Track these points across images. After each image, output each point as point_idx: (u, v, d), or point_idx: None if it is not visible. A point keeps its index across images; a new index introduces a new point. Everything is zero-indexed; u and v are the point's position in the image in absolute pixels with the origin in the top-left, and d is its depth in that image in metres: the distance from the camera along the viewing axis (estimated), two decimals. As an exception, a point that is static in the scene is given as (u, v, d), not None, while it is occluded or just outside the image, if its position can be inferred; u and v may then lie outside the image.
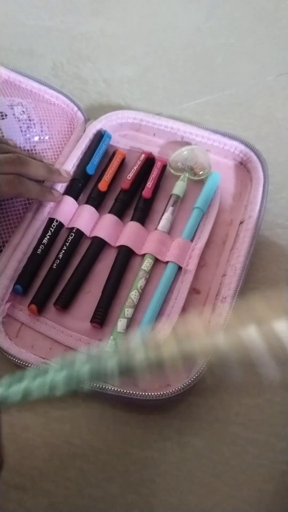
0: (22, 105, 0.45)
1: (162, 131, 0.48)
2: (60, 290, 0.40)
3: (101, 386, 0.34)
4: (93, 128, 0.47)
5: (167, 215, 0.43)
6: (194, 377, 0.34)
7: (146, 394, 0.34)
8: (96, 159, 0.45)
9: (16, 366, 0.37)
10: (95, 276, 0.41)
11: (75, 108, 0.49)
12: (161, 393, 0.34)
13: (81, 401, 0.37)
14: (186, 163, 0.45)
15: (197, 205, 0.43)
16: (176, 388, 0.34)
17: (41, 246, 0.41)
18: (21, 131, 0.44)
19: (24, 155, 0.40)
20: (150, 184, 0.44)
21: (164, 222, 0.42)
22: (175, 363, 0.24)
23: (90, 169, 0.45)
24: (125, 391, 0.34)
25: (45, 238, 0.41)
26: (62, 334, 0.38)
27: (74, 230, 0.42)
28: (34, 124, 0.45)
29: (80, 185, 0.45)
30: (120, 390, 0.34)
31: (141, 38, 0.58)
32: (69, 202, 0.43)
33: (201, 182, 0.45)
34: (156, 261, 0.41)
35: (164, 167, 0.45)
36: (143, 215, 0.43)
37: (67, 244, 0.41)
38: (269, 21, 0.59)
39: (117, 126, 0.49)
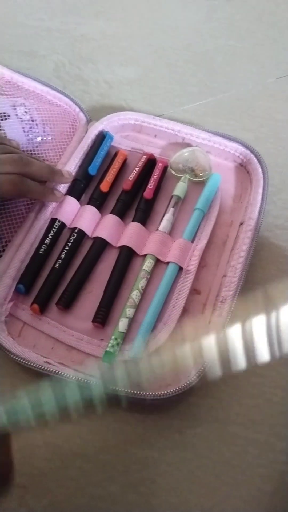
0: (25, 106, 0.45)
1: (163, 132, 0.48)
2: (62, 290, 0.40)
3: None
4: (95, 129, 0.47)
5: (168, 216, 0.43)
6: (194, 377, 0.34)
7: (146, 393, 0.34)
8: (98, 160, 0.46)
9: (18, 365, 0.37)
10: (97, 276, 0.41)
11: (77, 109, 0.49)
12: (161, 392, 0.34)
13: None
14: (187, 165, 0.46)
15: (197, 206, 0.43)
16: (176, 388, 0.34)
17: (44, 246, 0.41)
18: (24, 131, 0.44)
19: (27, 156, 0.40)
20: (151, 185, 0.44)
21: (165, 223, 0.43)
22: (176, 368, 0.24)
23: (92, 169, 0.45)
24: (126, 390, 0.34)
25: (48, 238, 0.42)
26: (64, 333, 0.38)
27: (76, 231, 0.42)
28: (36, 124, 0.45)
29: (82, 186, 0.45)
30: (121, 390, 0.34)
31: (142, 39, 0.59)
32: (71, 202, 0.44)
33: (202, 183, 0.45)
34: (157, 261, 0.41)
35: (165, 168, 0.46)
36: (144, 216, 0.44)
37: (69, 244, 0.41)
38: (269, 22, 0.60)
39: (119, 127, 0.49)
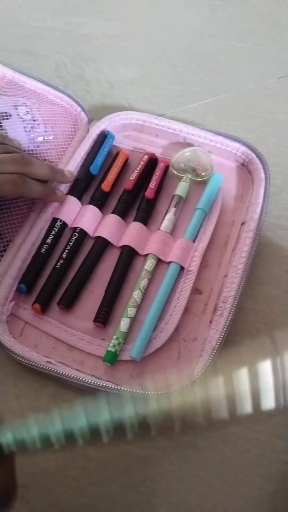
0: (26, 106, 0.45)
1: (164, 132, 0.48)
2: (64, 289, 0.40)
3: (103, 384, 0.35)
4: (96, 129, 0.47)
5: (169, 216, 0.43)
6: (196, 377, 0.34)
7: (149, 393, 0.34)
8: (99, 159, 0.46)
9: (19, 365, 0.37)
10: (98, 275, 0.41)
11: (79, 109, 0.49)
12: (164, 392, 0.34)
13: (84, 400, 0.37)
14: (188, 164, 0.46)
15: (199, 206, 0.43)
16: (179, 388, 0.34)
17: (45, 246, 0.41)
18: (25, 131, 0.44)
19: (29, 155, 0.40)
20: (153, 184, 0.44)
21: (166, 222, 0.43)
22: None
23: (94, 169, 0.45)
24: (127, 390, 0.34)
25: (49, 238, 0.42)
26: (66, 333, 0.39)
27: (77, 230, 0.42)
28: (38, 124, 0.45)
29: (84, 185, 0.45)
30: (123, 389, 0.34)
31: (143, 39, 0.59)
32: (72, 202, 0.44)
33: (204, 183, 0.45)
34: (159, 261, 0.41)
35: (166, 168, 0.46)
36: (146, 216, 0.44)
37: (71, 243, 0.41)
38: (270, 22, 0.60)
39: (120, 127, 0.49)
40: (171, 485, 0.34)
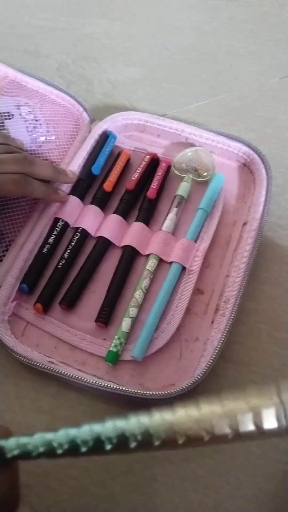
0: (29, 105, 0.45)
1: (166, 132, 0.48)
2: (66, 289, 0.40)
3: (104, 384, 0.35)
4: (98, 129, 0.47)
5: (171, 216, 0.43)
6: (198, 377, 0.34)
7: (150, 393, 0.34)
8: (101, 159, 0.46)
9: (21, 365, 0.37)
10: (100, 276, 0.41)
11: (81, 109, 0.49)
12: (165, 392, 0.34)
13: (86, 400, 0.37)
14: (190, 164, 0.46)
15: (201, 206, 0.43)
16: (180, 388, 0.34)
17: (47, 246, 0.41)
18: (28, 131, 0.44)
19: (31, 155, 0.40)
20: (154, 184, 0.44)
21: (168, 222, 0.43)
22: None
23: (96, 169, 0.45)
24: (129, 390, 0.34)
25: (51, 238, 0.42)
26: (67, 333, 0.39)
27: (79, 230, 0.42)
28: (40, 124, 0.45)
29: (86, 185, 0.45)
30: (124, 389, 0.34)
31: (145, 39, 0.59)
32: (74, 202, 0.44)
33: (205, 183, 0.45)
34: (161, 261, 0.41)
35: (168, 168, 0.46)
36: (148, 216, 0.44)
37: (73, 243, 0.42)
38: (273, 23, 0.60)
39: (122, 127, 0.49)
40: (173, 485, 0.34)
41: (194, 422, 0.23)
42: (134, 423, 0.24)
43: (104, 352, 0.37)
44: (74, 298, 0.40)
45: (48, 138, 0.46)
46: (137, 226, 0.43)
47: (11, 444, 0.25)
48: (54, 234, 0.42)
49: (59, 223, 0.42)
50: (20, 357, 0.37)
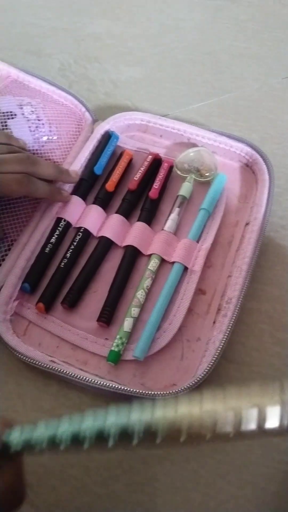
0: (31, 105, 0.45)
1: (169, 132, 0.48)
2: (68, 289, 0.40)
3: (106, 384, 0.35)
4: (101, 129, 0.47)
5: (173, 216, 0.43)
6: (199, 377, 0.34)
7: (152, 393, 0.34)
8: (103, 159, 0.46)
9: (23, 364, 0.37)
10: (102, 275, 0.41)
11: (83, 109, 0.49)
12: (167, 392, 0.34)
13: (87, 399, 0.37)
14: (192, 165, 0.46)
15: (203, 206, 0.43)
16: (182, 388, 0.34)
17: (49, 245, 0.41)
18: (30, 130, 0.44)
19: (34, 155, 0.40)
20: (157, 185, 0.44)
21: (170, 222, 0.43)
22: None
23: (98, 169, 0.45)
24: (130, 390, 0.34)
25: (53, 237, 0.42)
26: (69, 332, 0.39)
27: (81, 230, 0.42)
28: (43, 124, 0.45)
29: (88, 185, 0.45)
30: (126, 389, 0.34)
31: (148, 39, 0.59)
32: (76, 202, 0.44)
33: (207, 183, 0.45)
34: (163, 261, 0.41)
35: (170, 168, 0.46)
36: (150, 216, 0.44)
37: (75, 243, 0.42)
38: (275, 23, 0.60)
39: (125, 127, 0.49)
40: (174, 485, 0.34)
41: (197, 419, 0.23)
42: (136, 418, 0.24)
43: (106, 352, 0.37)
44: (76, 298, 0.40)
45: (50, 138, 0.46)
46: (139, 226, 0.43)
47: (15, 438, 0.25)
48: (56, 234, 0.42)
49: (61, 223, 0.42)
50: (22, 356, 0.37)
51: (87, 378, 0.35)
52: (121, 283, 0.40)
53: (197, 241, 0.42)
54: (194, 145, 0.47)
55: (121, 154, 0.46)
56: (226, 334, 0.36)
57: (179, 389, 0.34)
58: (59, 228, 0.42)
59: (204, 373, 0.34)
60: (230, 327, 0.36)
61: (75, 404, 0.37)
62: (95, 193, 0.45)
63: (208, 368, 0.35)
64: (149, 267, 0.40)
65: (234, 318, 0.37)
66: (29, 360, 0.37)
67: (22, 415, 0.37)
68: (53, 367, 0.36)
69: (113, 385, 0.35)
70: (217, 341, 0.36)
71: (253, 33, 0.59)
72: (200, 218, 0.43)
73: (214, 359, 0.35)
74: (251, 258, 0.39)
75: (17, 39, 0.59)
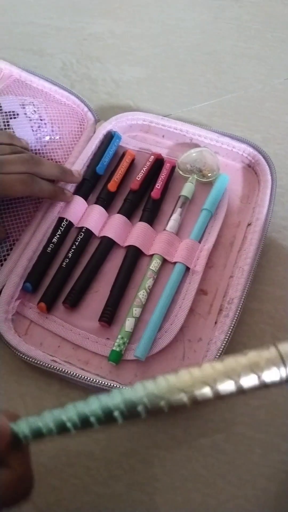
0: (34, 105, 0.45)
1: (171, 133, 0.48)
2: (69, 288, 0.40)
3: (107, 383, 0.35)
4: (103, 129, 0.47)
5: (175, 216, 0.43)
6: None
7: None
8: (106, 159, 0.46)
9: (24, 363, 0.37)
10: (104, 275, 0.41)
11: (85, 109, 0.49)
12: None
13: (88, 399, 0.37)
14: (194, 165, 0.46)
15: (205, 206, 0.43)
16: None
17: (51, 245, 0.42)
18: (32, 130, 0.44)
19: (38, 156, 0.40)
20: (159, 185, 0.44)
21: (172, 223, 0.43)
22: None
23: (100, 169, 0.45)
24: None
25: (55, 237, 0.42)
26: (71, 332, 0.39)
27: (83, 230, 0.42)
28: (45, 123, 0.45)
29: (90, 185, 0.45)
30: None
31: (150, 39, 0.59)
32: (78, 201, 0.44)
33: (210, 184, 0.45)
34: (164, 261, 0.41)
35: (173, 169, 0.46)
36: (152, 216, 0.44)
37: (76, 243, 0.42)
38: (277, 23, 0.60)
39: (127, 127, 0.49)
40: (175, 484, 0.34)
41: (198, 381, 0.24)
42: (140, 389, 0.25)
43: (107, 352, 0.37)
44: (78, 298, 0.40)
45: (52, 137, 0.46)
46: (141, 226, 0.43)
47: (23, 428, 0.25)
48: (58, 234, 0.42)
49: (63, 223, 0.42)
50: (23, 356, 0.37)
51: (88, 378, 0.35)
52: (123, 283, 0.40)
53: (199, 242, 0.42)
54: (196, 145, 0.47)
55: (123, 154, 0.46)
56: (228, 335, 0.36)
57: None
58: (61, 228, 0.42)
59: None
60: (231, 327, 0.36)
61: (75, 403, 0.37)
62: (97, 193, 0.45)
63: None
64: (150, 267, 0.40)
65: (235, 318, 0.37)
66: (30, 359, 0.37)
67: (23, 414, 0.36)
68: (55, 367, 0.36)
69: (114, 385, 0.35)
70: (219, 341, 0.36)
71: (256, 33, 0.59)
72: (202, 219, 0.43)
73: (215, 359, 0.35)
74: (253, 258, 0.39)
75: (19, 38, 0.59)
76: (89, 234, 0.43)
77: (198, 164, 0.45)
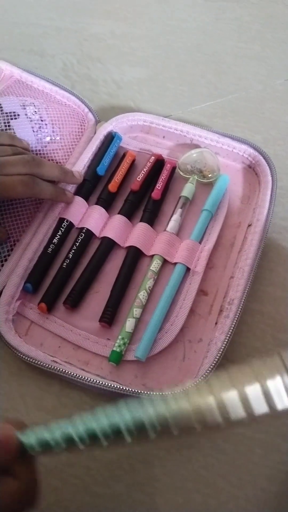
0: (34, 105, 0.45)
1: (171, 133, 0.48)
2: (70, 289, 0.40)
3: (107, 384, 0.35)
4: (103, 130, 0.47)
5: (176, 217, 0.43)
6: (201, 377, 0.34)
7: (153, 393, 0.34)
8: (106, 160, 0.46)
9: (25, 364, 0.37)
10: (104, 276, 0.41)
11: (86, 110, 0.49)
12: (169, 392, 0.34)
13: (89, 399, 0.37)
14: (195, 166, 0.46)
15: (205, 207, 0.43)
16: (183, 388, 0.34)
17: (52, 246, 0.42)
18: (33, 131, 0.44)
19: (39, 157, 0.40)
20: (159, 185, 0.44)
21: (172, 223, 0.43)
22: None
23: (101, 170, 0.45)
24: (132, 390, 0.35)
25: (56, 238, 0.42)
26: (71, 332, 0.39)
27: (84, 230, 0.42)
28: (46, 124, 0.45)
29: (91, 186, 0.45)
30: (128, 390, 0.35)
31: (151, 39, 0.59)
32: (79, 202, 0.44)
33: (210, 184, 0.45)
34: (165, 262, 0.41)
35: (173, 169, 0.46)
36: (152, 217, 0.44)
37: (77, 244, 0.42)
38: (278, 24, 0.60)
39: (128, 128, 0.49)
40: (175, 485, 0.35)
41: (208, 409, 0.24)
42: (151, 412, 0.25)
43: (108, 352, 0.37)
44: (78, 298, 0.40)
45: (53, 138, 0.46)
46: (141, 227, 0.43)
47: (31, 440, 0.25)
48: (59, 234, 0.42)
49: (64, 223, 0.43)
50: (24, 356, 0.37)
51: (88, 378, 0.35)
52: (123, 283, 0.40)
53: (200, 242, 0.42)
54: (196, 146, 0.47)
55: (124, 155, 0.47)
56: (228, 335, 0.36)
57: (181, 389, 0.34)
58: (61, 228, 0.42)
59: (206, 374, 0.35)
60: (232, 328, 0.36)
61: (76, 404, 0.37)
62: (97, 193, 0.45)
63: (210, 369, 0.35)
64: (151, 268, 0.41)
65: (236, 319, 0.37)
66: (31, 360, 0.37)
67: (23, 414, 0.37)
68: (55, 367, 0.36)
69: (115, 386, 0.35)
70: (219, 342, 0.36)
71: (256, 34, 0.59)
72: (203, 219, 0.43)
73: (216, 360, 0.35)
74: (254, 259, 0.39)
75: (20, 39, 0.59)
76: (89, 234, 0.43)
77: (198, 164, 0.46)
